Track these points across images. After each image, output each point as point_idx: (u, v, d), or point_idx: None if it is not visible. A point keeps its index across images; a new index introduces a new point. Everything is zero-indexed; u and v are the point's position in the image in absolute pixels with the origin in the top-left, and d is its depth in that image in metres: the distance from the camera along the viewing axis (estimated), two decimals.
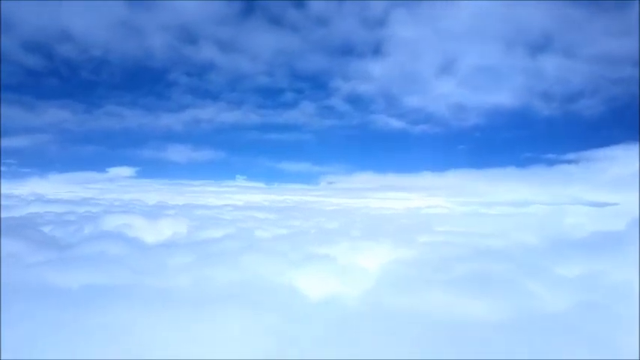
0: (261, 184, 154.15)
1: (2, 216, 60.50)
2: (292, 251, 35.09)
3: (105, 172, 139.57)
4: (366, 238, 40.75)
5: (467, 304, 21.44)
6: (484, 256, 30.76)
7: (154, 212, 77.52)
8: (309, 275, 27.06)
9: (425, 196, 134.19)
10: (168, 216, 68.18)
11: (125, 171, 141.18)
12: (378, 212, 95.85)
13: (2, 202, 78.22)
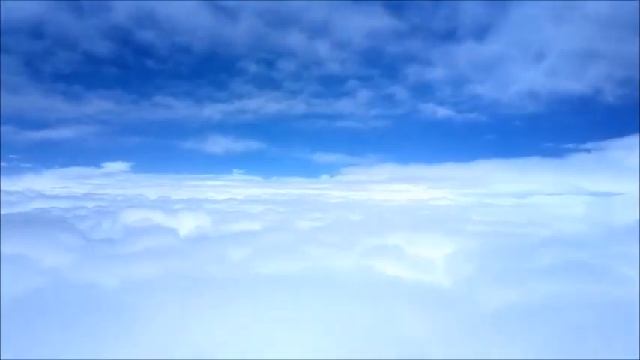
0: (258, 178, 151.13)
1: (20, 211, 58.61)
2: (350, 242, 34.45)
3: (101, 167, 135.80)
4: (414, 229, 40.22)
5: (571, 291, 21.08)
6: (552, 244, 30.52)
7: (166, 207, 75.94)
8: (391, 264, 26.51)
9: (427, 189, 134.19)
10: (190, 210, 66.92)
11: (121, 166, 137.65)
12: (392, 204, 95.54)
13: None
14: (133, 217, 54.38)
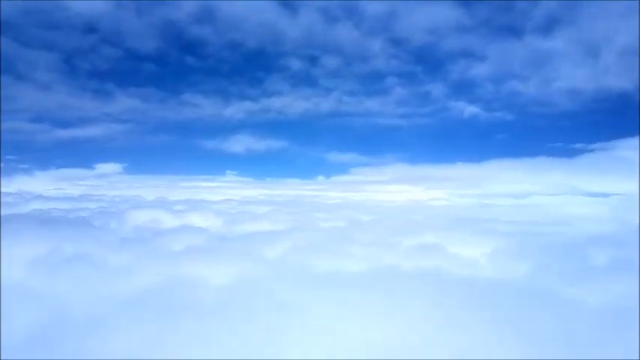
0: (250, 179, 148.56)
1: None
2: (386, 241, 33.91)
3: (93, 169, 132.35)
4: (444, 229, 39.88)
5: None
6: (596, 243, 30.39)
7: (169, 207, 74.37)
8: (446, 263, 26.07)
9: (425, 189, 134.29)
10: (196, 211, 65.57)
11: (115, 167, 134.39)
12: (393, 204, 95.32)
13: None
14: (141, 218, 53.20)
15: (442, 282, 21.60)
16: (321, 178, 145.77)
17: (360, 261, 26.71)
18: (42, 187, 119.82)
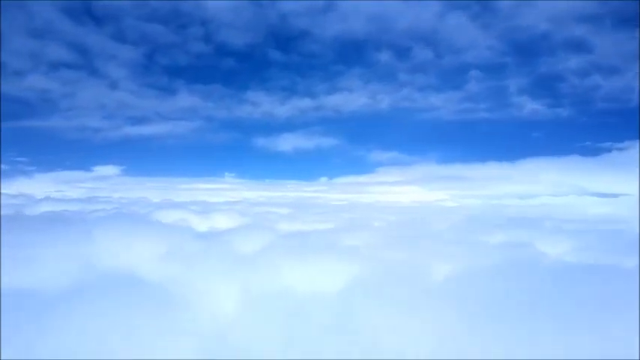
0: (248, 180, 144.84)
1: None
2: (464, 239, 32.79)
3: (90, 171, 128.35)
4: (509, 228, 38.85)
5: None
6: None
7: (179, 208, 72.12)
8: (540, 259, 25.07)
9: (428, 190, 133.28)
10: (221, 211, 63.71)
11: (112, 169, 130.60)
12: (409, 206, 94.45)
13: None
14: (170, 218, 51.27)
15: (558, 278, 20.49)
16: (323, 179, 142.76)
17: (452, 259, 25.44)
18: (40, 190, 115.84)
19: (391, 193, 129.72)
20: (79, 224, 39.20)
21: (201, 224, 44.08)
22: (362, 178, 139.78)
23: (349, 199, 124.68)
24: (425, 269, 22.72)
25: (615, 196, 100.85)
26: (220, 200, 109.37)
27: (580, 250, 29.61)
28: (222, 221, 52.12)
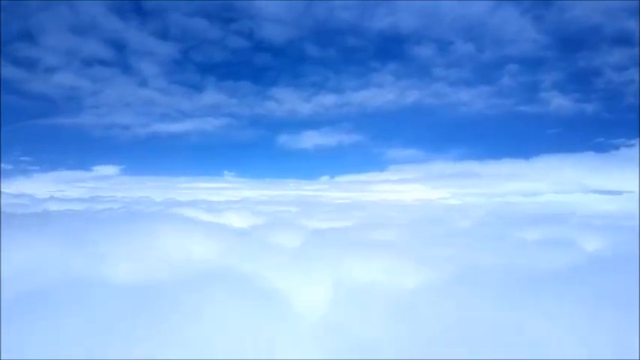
0: (247, 179, 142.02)
1: None
2: (500, 236, 32.45)
3: (91, 171, 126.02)
4: (538, 223, 38.57)
5: None
6: None
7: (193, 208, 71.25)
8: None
9: (431, 188, 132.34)
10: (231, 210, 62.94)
11: (111, 169, 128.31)
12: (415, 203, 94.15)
13: None
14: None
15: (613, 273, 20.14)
16: (325, 178, 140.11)
17: (502, 256, 25.06)
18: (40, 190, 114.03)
19: (394, 191, 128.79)
20: (138, 221, 38.28)
21: (238, 222, 43.50)
22: (365, 177, 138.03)
23: (352, 198, 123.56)
24: (484, 265, 22.35)
25: (619, 193, 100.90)
26: (237, 198, 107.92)
27: (618, 245, 29.37)
28: (253, 219, 51.21)
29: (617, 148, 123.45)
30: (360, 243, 28.06)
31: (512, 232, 33.26)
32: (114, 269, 15.50)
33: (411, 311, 12.86)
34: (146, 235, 20.86)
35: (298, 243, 27.25)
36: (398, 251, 24.59)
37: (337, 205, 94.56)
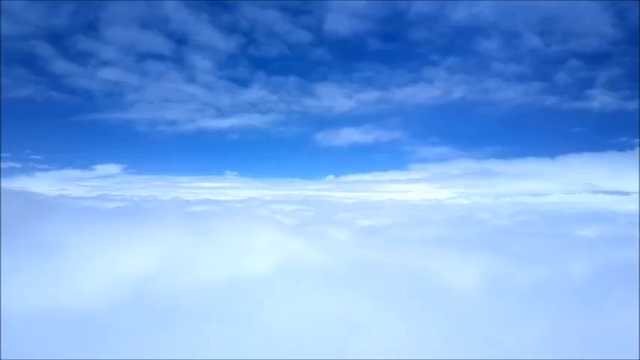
0: (249, 179, 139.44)
1: None
2: (561, 234, 32.95)
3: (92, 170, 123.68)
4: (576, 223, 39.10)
5: None
6: None
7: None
8: None
9: (437, 188, 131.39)
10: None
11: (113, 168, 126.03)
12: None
13: None
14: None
15: None
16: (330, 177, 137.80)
17: (572, 253, 25.47)
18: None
19: (398, 191, 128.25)
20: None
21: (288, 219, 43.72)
22: (387, 176, 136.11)
23: (357, 197, 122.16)
24: (562, 260, 22.77)
25: (627, 194, 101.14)
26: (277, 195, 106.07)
27: None
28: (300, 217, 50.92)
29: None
30: (424, 240, 28.59)
31: (571, 230, 33.81)
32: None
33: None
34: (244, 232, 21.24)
35: (364, 238, 27.71)
36: (467, 248, 25.13)
37: (357, 203, 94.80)
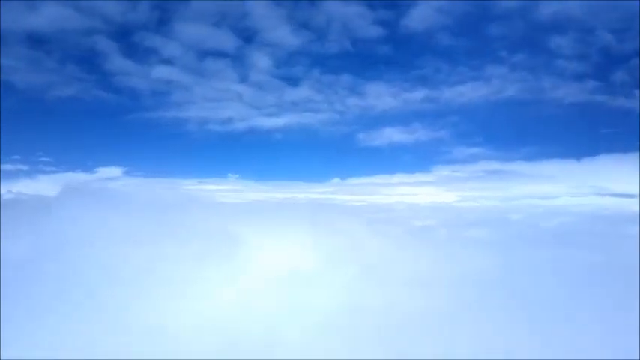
0: (251, 182, 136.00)
1: None
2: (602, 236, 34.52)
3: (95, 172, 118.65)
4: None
5: None
6: None
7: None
8: None
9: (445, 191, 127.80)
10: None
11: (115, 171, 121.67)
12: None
13: None
14: None
15: None
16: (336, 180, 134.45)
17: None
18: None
19: (409, 194, 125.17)
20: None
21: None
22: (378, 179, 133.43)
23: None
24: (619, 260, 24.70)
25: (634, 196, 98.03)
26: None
27: None
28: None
29: None
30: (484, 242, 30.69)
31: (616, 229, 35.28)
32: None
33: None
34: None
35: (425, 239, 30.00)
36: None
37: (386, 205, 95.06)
